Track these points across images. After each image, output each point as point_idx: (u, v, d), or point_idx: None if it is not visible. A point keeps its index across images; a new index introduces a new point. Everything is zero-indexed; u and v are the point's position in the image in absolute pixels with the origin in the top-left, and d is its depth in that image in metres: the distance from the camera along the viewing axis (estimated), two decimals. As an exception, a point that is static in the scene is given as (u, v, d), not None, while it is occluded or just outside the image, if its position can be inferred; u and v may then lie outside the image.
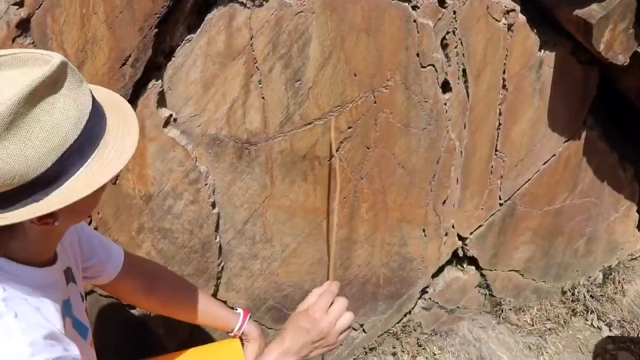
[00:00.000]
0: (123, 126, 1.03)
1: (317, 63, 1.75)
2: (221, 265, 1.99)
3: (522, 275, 2.40)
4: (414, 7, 1.77)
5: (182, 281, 1.64)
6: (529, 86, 2.01)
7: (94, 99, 0.97)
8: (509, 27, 1.89)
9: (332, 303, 1.42)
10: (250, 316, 1.67)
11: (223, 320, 1.64)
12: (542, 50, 1.98)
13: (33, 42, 1.58)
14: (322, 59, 1.75)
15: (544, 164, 2.17)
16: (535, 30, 1.94)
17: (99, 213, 1.81)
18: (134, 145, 0.99)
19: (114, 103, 1.08)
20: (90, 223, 1.81)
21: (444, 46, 1.87)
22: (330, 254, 1.57)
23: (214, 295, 2.04)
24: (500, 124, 2.04)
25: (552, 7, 1.92)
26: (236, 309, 1.68)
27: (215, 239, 1.92)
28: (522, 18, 1.89)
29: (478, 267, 2.33)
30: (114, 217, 1.83)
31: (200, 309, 1.61)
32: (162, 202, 1.83)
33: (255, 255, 2.00)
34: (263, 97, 1.76)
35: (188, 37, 1.67)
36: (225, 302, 2.07)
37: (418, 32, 1.79)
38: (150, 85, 1.67)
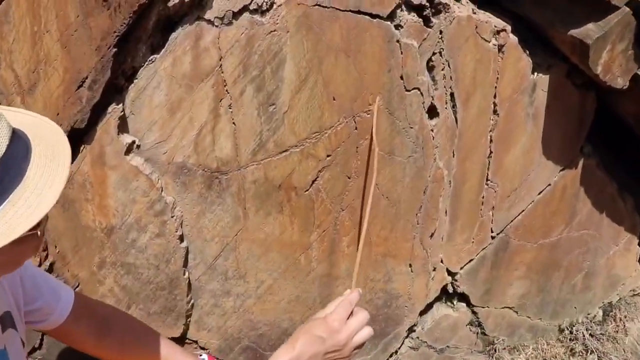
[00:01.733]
0: (50, 164, 0.90)
1: (292, 86, 1.62)
2: (191, 302, 1.84)
3: (517, 312, 2.25)
4: (397, 27, 1.65)
5: (138, 325, 1.49)
6: (521, 111, 1.88)
7: (13, 132, 0.84)
8: (500, 48, 1.77)
9: (351, 314, 1.28)
10: (215, 363, 1.53)
11: (184, 369, 1.49)
12: (536, 73, 1.86)
13: (-21, 62, 1.45)
14: (298, 81, 1.62)
15: (539, 194, 2.04)
16: (527, 52, 1.82)
17: (56, 247, 1.67)
18: (58, 191, 0.87)
19: (43, 131, 0.95)
20: (46, 257, 1.66)
21: (430, 68, 1.75)
22: (357, 259, 1.42)
23: (183, 335, 1.89)
24: (491, 152, 1.91)
25: (545, 27, 1.80)
26: (201, 355, 1.53)
27: (184, 274, 1.78)
28: (513, 39, 1.78)
29: (469, 304, 2.18)
30: (73, 251, 1.69)
31: (159, 356, 1.46)
32: (125, 235, 1.68)
33: (227, 292, 1.85)
34: (234, 123, 1.63)
35: (151, 57, 1.54)
36: (196, 342, 1.92)
37: (402, 52, 1.67)
38: (110, 109, 1.54)
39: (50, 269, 1.70)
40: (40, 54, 1.44)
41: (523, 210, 2.04)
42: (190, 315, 1.87)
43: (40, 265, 1.67)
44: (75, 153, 1.59)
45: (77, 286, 1.75)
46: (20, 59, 1.45)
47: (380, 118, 1.73)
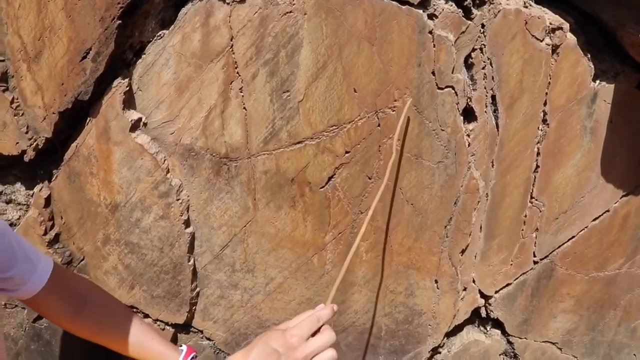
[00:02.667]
0: None
1: (308, 73, 1.50)
2: (196, 290, 1.78)
3: (560, 349, 1.99)
4: (431, 16, 1.48)
5: (117, 306, 1.44)
6: (577, 123, 1.64)
7: None
8: (554, 49, 1.55)
9: (318, 331, 1.18)
10: (194, 356, 1.45)
11: (160, 356, 1.43)
12: (598, 81, 1.61)
13: (-13, 25, 1.45)
14: (315, 69, 1.50)
15: (594, 220, 1.78)
16: (588, 56, 1.58)
17: (62, 217, 1.67)
18: None
19: None
20: (52, 227, 1.66)
21: (469, 66, 1.56)
22: (340, 273, 1.30)
23: (188, 323, 1.83)
24: (538, 166, 1.69)
25: (615, 27, 1.56)
26: (181, 346, 1.46)
27: (189, 261, 1.71)
28: (571, 39, 1.54)
29: (504, 332, 1.96)
30: (78, 223, 1.67)
31: (135, 340, 1.41)
32: (129, 214, 1.65)
33: (235, 285, 1.77)
34: (244, 108, 1.54)
35: (160, 32, 1.49)
36: (202, 332, 1.86)
37: (434, 45, 1.50)
38: (115, 83, 1.50)
39: (56, 239, 1.70)
40: (45, 22, 1.42)
41: (574, 237, 1.80)
42: (196, 303, 1.81)
43: (45, 234, 1.67)
44: (81, 125, 1.57)
45: (83, 259, 1.73)
46: (27, 25, 1.43)
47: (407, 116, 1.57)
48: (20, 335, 1.83)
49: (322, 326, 1.18)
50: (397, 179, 1.68)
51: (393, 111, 1.56)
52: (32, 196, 1.66)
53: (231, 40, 1.47)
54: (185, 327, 1.86)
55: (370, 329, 1.88)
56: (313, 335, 1.17)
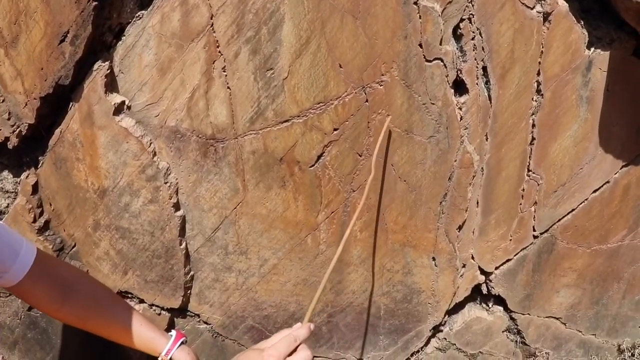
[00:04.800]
0: None
1: (292, 50, 1.47)
2: (190, 274, 1.76)
3: (564, 324, 1.95)
4: (415, -13, 1.44)
5: (104, 293, 1.43)
6: (572, 93, 1.59)
7: None
8: (546, 16, 1.50)
9: (295, 350, 1.15)
10: (184, 341, 1.43)
11: (149, 342, 1.41)
12: (593, 49, 1.55)
13: (-38, 10, 1.43)
14: (299, 45, 1.46)
15: (594, 192, 1.73)
16: (582, 23, 1.52)
17: (51, 204, 1.65)
18: None
19: None
20: (41, 214, 1.65)
21: (458, 37, 1.51)
22: (318, 291, 1.28)
23: (184, 307, 1.82)
24: (533, 138, 1.64)
25: (609, -7, 1.50)
26: (170, 331, 1.45)
27: (181, 244, 1.70)
28: (563, 5, 1.49)
29: (507, 309, 1.92)
30: (67, 210, 1.66)
31: (123, 326, 1.40)
32: (117, 199, 1.63)
33: (229, 268, 1.76)
34: (229, 87, 1.51)
35: (139, 13, 1.45)
36: (198, 316, 1.85)
37: (420, 17, 1.45)
38: (96, 66, 1.47)
39: (45, 227, 1.69)
40: (19, 5, 1.40)
41: (574, 209, 1.75)
42: (190, 287, 1.79)
43: (34, 221, 1.66)
44: (64, 111, 1.55)
45: (74, 246, 1.73)
46: (1, 9, 1.41)
47: (394, 91, 1.53)
48: (17, 324, 1.83)
49: (299, 345, 1.16)
50: (381, 194, 1.68)
51: (381, 86, 1.52)
52: (19, 184, 1.65)
53: (211, 18, 1.43)
54: (181, 312, 1.85)
55: (368, 308, 1.86)
56: (290, 354, 1.14)
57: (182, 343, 1.43)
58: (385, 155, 1.63)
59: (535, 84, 1.57)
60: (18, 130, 1.55)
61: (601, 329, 1.99)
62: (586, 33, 1.53)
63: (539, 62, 1.55)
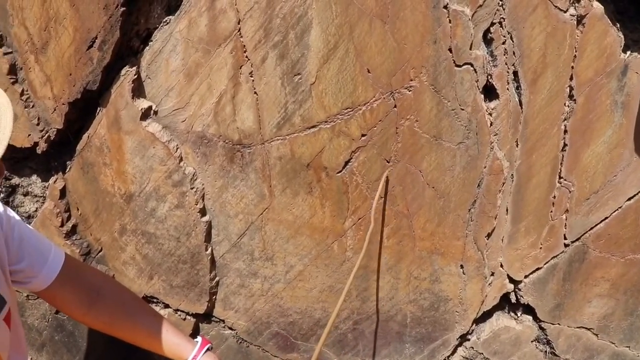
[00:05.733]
0: None
1: (319, 55, 1.45)
2: (215, 280, 1.76)
3: (597, 335, 1.91)
4: (445, -10, 1.42)
5: (131, 299, 1.43)
6: (607, 98, 1.55)
7: None
8: (579, 19, 1.46)
9: None
10: (210, 347, 1.42)
11: (175, 348, 1.40)
12: (629, 52, 1.51)
13: (-7, 17, 1.44)
14: (326, 50, 1.45)
15: (629, 199, 1.68)
16: (618, 25, 1.49)
17: (78, 209, 1.66)
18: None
19: None
20: (69, 219, 1.66)
21: (488, 41, 1.48)
22: (323, 336, 1.29)
23: (209, 313, 1.82)
24: (565, 144, 1.60)
25: (647, -5, 1.46)
26: (196, 338, 1.44)
27: (206, 250, 1.69)
28: (598, 8, 1.45)
29: (536, 318, 1.88)
30: (94, 214, 1.67)
31: (149, 332, 1.40)
32: (144, 204, 1.63)
33: (254, 274, 1.75)
34: (255, 92, 1.50)
35: (166, 18, 1.46)
36: (223, 322, 1.84)
37: (450, 21, 1.43)
38: (123, 71, 1.48)
39: (73, 231, 1.70)
40: (50, 12, 1.41)
41: (607, 217, 1.71)
42: (216, 292, 1.79)
43: (62, 226, 1.67)
44: (92, 116, 1.56)
45: (100, 251, 1.73)
46: (32, 16, 1.42)
47: (423, 96, 1.50)
48: (44, 327, 1.85)
49: None
50: (380, 249, 1.70)
51: (409, 91, 1.50)
52: (47, 188, 1.66)
53: (238, 23, 1.43)
54: (206, 317, 1.84)
55: (395, 316, 1.83)
56: None
57: (207, 350, 1.42)
58: (383, 204, 1.65)
59: (568, 89, 1.54)
60: (47, 135, 1.56)
61: (636, 340, 1.93)
62: (622, 36, 1.49)
63: (572, 67, 1.51)
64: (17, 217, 1.29)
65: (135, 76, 1.48)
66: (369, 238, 1.59)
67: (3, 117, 0.88)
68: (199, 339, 1.43)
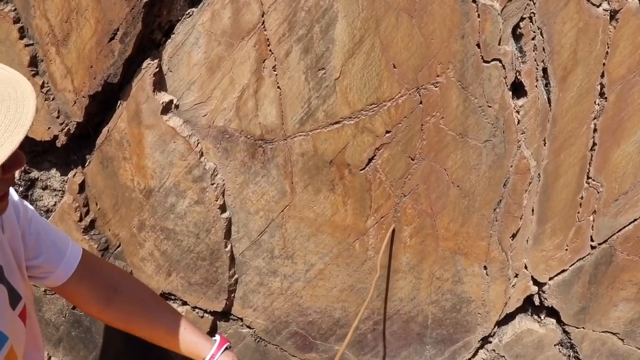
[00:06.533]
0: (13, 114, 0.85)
1: (345, 49, 1.42)
2: (234, 277, 1.73)
3: (622, 340, 1.86)
4: (474, -16, 1.38)
5: (149, 295, 1.41)
6: (639, 97, 1.50)
7: None
8: (613, 14, 1.42)
9: None
10: (228, 346, 1.40)
11: (193, 346, 1.38)
12: (663, 50, 1.48)
13: (15, 9, 1.43)
14: (352, 44, 1.42)
15: (659, 201, 1.65)
16: (652, 22, 1.45)
17: (97, 204, 1.64)
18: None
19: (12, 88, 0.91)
20: (87, 214, 1.64)
21: (517, 37, 1.45)
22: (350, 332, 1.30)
23: (227, 311, 1.79)
24: (595, 144, 1.56)
25: (681, -10, 1.41)
26: (214, 336, 1.42)
27: (226, 247, 1.67)
28: (632, 2, 1.41)
29: (560, 322, 1.84)
30: (113, 209, 1.65)
31: (167, 330, 1.37)
32: (163, 199, 1.61)
33: (274, 272, 1.72)
34: (279, 87, 1.47)
35: (189, 11, 1.43)
36: (241, 320, 1.82)
37: (479, 15, 1.39)
38: (145, 64, 1.45)
39: (91, 226, 1.68)
40: (71, 3, 1.39)
41: (636, 220, 1.66)
42: (234, 290, 1.76)
43: (80, 220, 1.65)
44: (112, 109, 1.54)
45: (119, 246, 1.71)
46: (53, 7, 1.40)
47: (450, 92, 1.47)
48: (61, 322, 1.83)
49: None
50: (386, 295, 1.73)
51: (436, 87, 1.46)
52: (67, 182, 1.64)
53: (262, 16, 1.40)
54: (224, 315, 1.82)
55: (416, 317, 1.80)
56: None
57: (226, 348, 1.39)
58: (389, 255, 1.67)
59: (599, 87, 1.50)
60: (67, 128, 1.54)
61: (661, 345, 1.89)
62: (656, 33, 1.45)
63: (604, 64, 1.47)
64: (34, 211, 1.27)
65: (157, 69, 1.45)
66: (375, 284, 1.62)
67: (27, 102, 0.87)
68: (217, 337, 1.41)
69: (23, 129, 0.83)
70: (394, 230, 1.63)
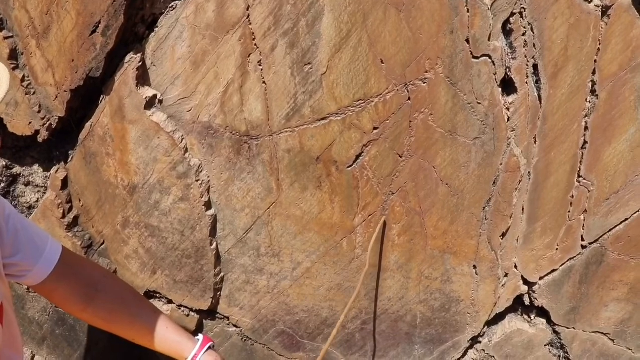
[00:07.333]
0: None
1: (331, 44, 1.40)
2: (220, 275, 1.71)
3: (613, 340, 1.84)
4: (464, -22, 1.35)
5: (130, 294, 1.38)
6: (631, 94, 1.48)
7: None
8: (605, 10, 1.40)
9: None
10: (211, 345, 1.38)
11: (175, 346, 1.36)
12: (655, 46, 1.45)
13: (-6, 0, 1.40)
14: (338, 38, 1.39)
15: (651, 200, 1.62)
16: (644, 18, 1.42)
17: (80, 200, 1.61)
18: None
19: None
20: (70, 210, 1.61)
21: (507, 32, 1.42)
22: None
23: (213, 309, 1.77)
24: (586, 142, 1.54)
25: (674, -14, 1.39)
26: (197, 335, 1.39)
27: (211, 244, 1.64)
28: None
29: (550, 322, 1.82)
30: (97, 206, 1.62)
31: (149, 329, 1.35)
32: (147, 196, 1.58)
33: (260, 270, 1.70)
34: (264, 82, 1.44)
35: (172, 4, 1.40)
36: (228, 319, 1.79)
37: (468, 10, 1.37)
38: (127, 58, 1.42)
39: (74, 223, 1.66)
40: (52, -6, 1.36)
41: (627, 219, 1.64)
42: (220, 289, 1.74)
43: (64, 217, 1.62)
44: (95, 104, 1.51)
45: (103, 243, 1.69)
46: (33, -1, 1.37)
47: (438, 89, 1.44)
48: (45, 320, 1.80)
49: None
50: (377, 294, 1.71)
51: (424, 83, 1.44)
52: (49, 178, 1.61)
53: (247, 9, 1.37)
54: (210, 314, 1.79)
55: (404, 316, 1.78)
56: None
57: (209, 348, 1.37)
58: (380, 250, 1.64)
59: (590, 84, 1.47)
60: (48, 123, 1.51)
61: (653, 346, 1.87)
62: (648, 30, 1.43)
63: (595, 61, 1.45)
64: (13, 208, 1.24)
65: (140, 63, 1.42)
66: (363, 279, 1.59)
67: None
68: (200, 337, 1.39)
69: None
70: (385, 223, 1.61)
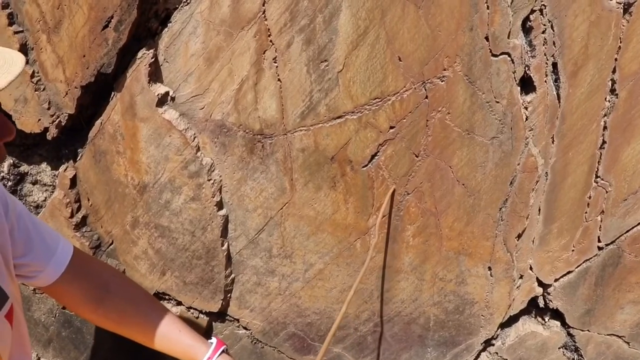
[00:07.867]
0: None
1: (348, 41, 1.37)
2: (231, 277, 1.68)
3: (628, 343, 1.82)
4: (484, -26, 1.33)
5: (142, 296, 1.35)
6: (651, 93, 1.47)
7: None
8: (626, 7, 1.37)
9: None
10: (225, 349, 1.35)
11: (188, 350, 1.33)
12: (676, 45, 1.43)
13: (4, -7, 1.37)
14: (356, 35, 1.36)
15: (669, 201, 1.60)
16: (665, 16, 1.40)
17: (89, 199, 1.58)
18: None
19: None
20: (79, 210, 1.58)
21: (527, 30, 1.40)
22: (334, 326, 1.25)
23: (223, 311, 1.74)
24: (604, 142, 1.51)
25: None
26: (211, 339, 1.36)
27: (222, 245, 1.61)
28: (646, -3, 1.37)
29: (564, 324, 1.80)
30: (106, 205, 1.59)
31: (161, 332, 1.32)
32: (158, 195, 1.55)
33: (272, 272, 1.67)
34: (279, 79, 1.41)
35: (186, -1, 1.37)
36: (238, 321, 1.76)
37: (488, 7, 1.34)
38: (140, 54, 1.39)
39: (83, 223, 1.62)
40: (63, -12, 1.32)
41: (645, 220, 1.63)
42: (231, 290, 1.71)
43: (72, 217, 1.59)
44: (106, 101, 1.48)
45: (111, 244, 1.65)
46: (44, -8, 1.34)
47: (457, 87, 1.42)
48: (51, 322, 1.77)
49: None
50: (381, 293, 1.69)
51: (442, 81, 1.41)
52: (57, 177, 1.58)
53: (263, 5, 1.34)
54: (220, 316, 1.76)
55: (417, 319, 1.75)
56: None
57: (222, 352, 1.34)
58: (388, 221, 1.59)
59: (610, 83, 1.45)
60: (58, 120, 1.48)
61: (668, 349, 1.85)
62: (670, 28, 1.41)
63: (615, 59, 1.42)
64: (24, 207, 1.21)
65: (153, 59, 1.39)
66: (371, 253, 1.55)
67: (14, 55, 0.85)
68: (213, 340, 1.36)
69: (17, 67, 0.82)
70: (394, 191, 1.56)
